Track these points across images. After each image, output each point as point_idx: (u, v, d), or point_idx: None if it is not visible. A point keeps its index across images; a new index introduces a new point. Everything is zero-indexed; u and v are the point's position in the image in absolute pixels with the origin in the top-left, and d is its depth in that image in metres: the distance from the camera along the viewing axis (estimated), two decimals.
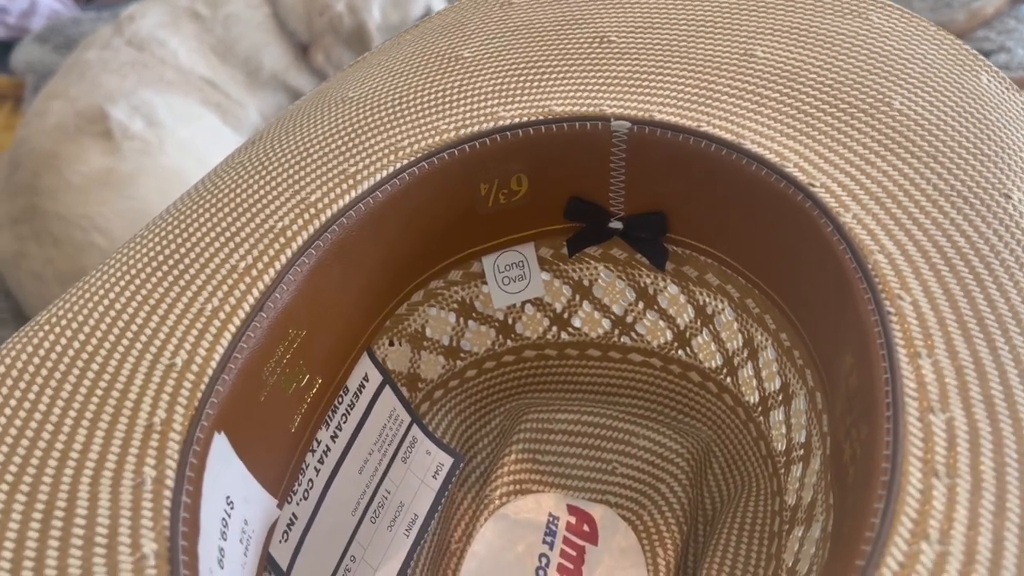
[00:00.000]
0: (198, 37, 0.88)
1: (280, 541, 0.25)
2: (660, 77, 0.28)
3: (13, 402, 0.21)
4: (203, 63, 0.87)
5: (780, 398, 0.28)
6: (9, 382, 0.22)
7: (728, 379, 0.31)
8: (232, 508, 0.21)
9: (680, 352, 0.32)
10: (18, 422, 0.21)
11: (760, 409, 0.30)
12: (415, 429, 0.30)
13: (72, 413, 0.21)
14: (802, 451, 0.27)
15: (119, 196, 0.73)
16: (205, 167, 0.77)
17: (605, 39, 0.30)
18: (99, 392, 0.21)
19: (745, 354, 0.30)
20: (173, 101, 0.81)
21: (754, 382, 0.30)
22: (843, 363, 0.23)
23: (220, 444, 0.21)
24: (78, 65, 0.84)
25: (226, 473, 0.21)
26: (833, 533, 0.21)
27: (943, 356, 0.20)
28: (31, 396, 0.21)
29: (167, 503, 0.19)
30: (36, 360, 0.22)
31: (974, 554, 0.17)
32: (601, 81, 0.29)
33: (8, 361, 0.22)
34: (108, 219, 0.72)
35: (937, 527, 0.17)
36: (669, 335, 0.32)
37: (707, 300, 0.30)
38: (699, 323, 0.31)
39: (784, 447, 0.28)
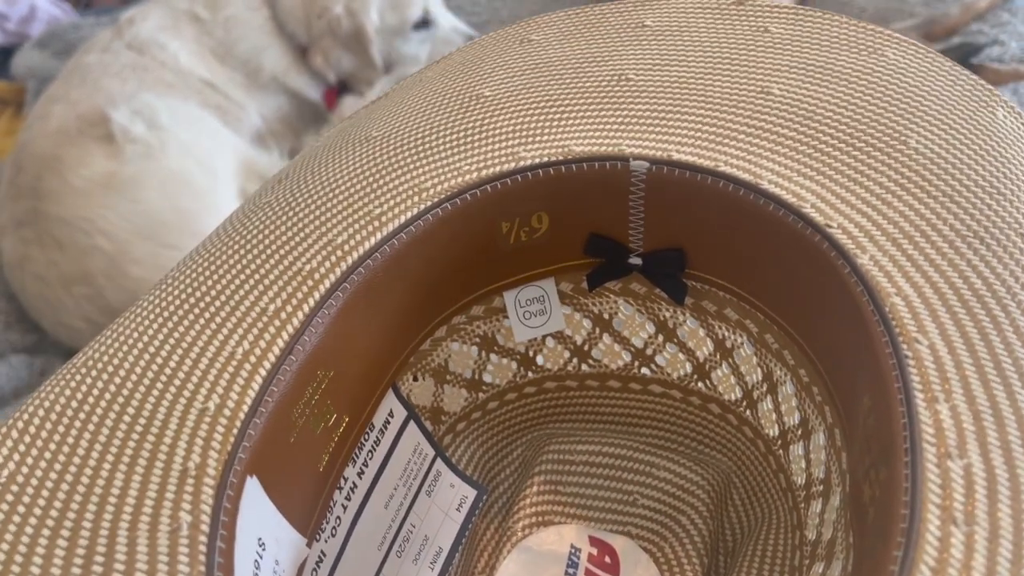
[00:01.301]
0: (198, 40, 0.89)
1: None
2: (678, 115, 0.29)
3: (53, 446, 0.22)
4: (203, 66, 0.88)
5: (800, 432, 0.29)
6: (48, 425, 0.23)
7: (748, 412, 0.31)
8: (264, 549, 0.22)
9: (700, 384, 0.33)
10: (58, 466, 0.21)
11: (780, 442, 0.30)
12: (439, 463, 0.31)
13: (109, 458, 0.21)
14: (822, 487, 0.27)
15: (122, 199, 0.74)
16: (208, 169, 0.78)
17: (623, 77, 0.31)
18: (135, 437, 0.22)
19: (764, 388, 0.30)
20: (174, 104, 0.82)
21: (774, 416, 0.30)
22: (861, 404, 0.23)
23: (252, 488, 0.21)
24: (79, 68, 0.85)
25: (258, 515, 0.22)
26: (853, 574, 0.22)
27: (960, 401, 0.20)
28: (70, 440, 0.22)
29: (203, 548, 0.19)
30: (74, 404, 0.23)
31: None
32: (620, 120, 0.29)
33: (48, 403, 0.23)
34: (112, 222, 0.73)
35: None
36: (689, 367, 0.32)
37: (726, 334, 0.31)
38: (718, 356, 0.31)
39: (804, 481, 0.28)
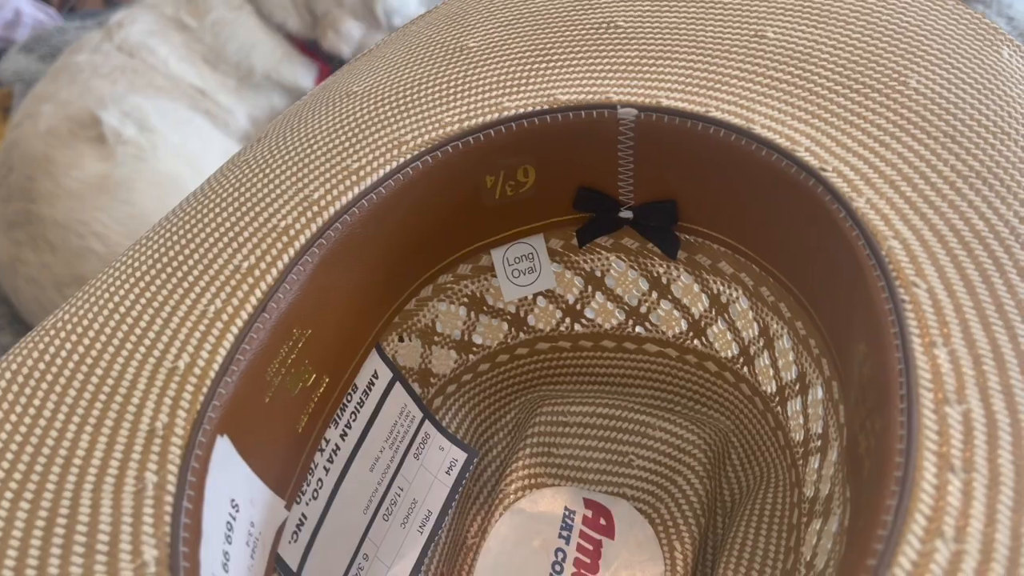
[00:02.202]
0: (187, 46, 0.88)
1: (289, 542, 0.25)
2: (668, 62, 0.28)
3: (19, 408, 0.21)
4: (193, 71, 0.88)
5: (797, 388, 0.28)
6: (15, 388, 0.22)
7: (745, 368, 0.31)
8: (237, 511, 0.21)
9: (695, 342, 0.32)
10: (23, 429, 0.21)
11: (777, 399, 0.29)
12: (427, 425, 0.30)
13: (75, 419, 0.21)
14: (819, 442, 0.26)
15: (115, 201, 0.73)
16: (198, 171, 0.78)
17: (612, 24, 0.30)
18: (102, 398, 0.21)
19: (761, 343, 0.29)
20: (163, 106, 0.81)
21: (771, 371, 0.29)
22: (857, 352, 0.22)
23: (223, 447, 0.21)
24: (68, 68, 0.84)
25: (230, 476, 0.21)
26: (849, 528, 0.21)
27: (960, 345, 0.19)
28: (36, 403, 0.21)
29: (168, 509, 0.19)
30: (41, 366, 0.22)
31: (991, 552, 0.16)
32: (607, 67, 0.28)
33: (14, 367, 0.22)
34: (106, 225, 0.72)
35: (952, 524, 0.16)
36: (684, 325, 0.32)
37: (721, 289, 0.30)
38: (714, 312, 0.30)
39: (802, 438, 0.28)
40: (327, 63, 0.96)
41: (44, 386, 0.22)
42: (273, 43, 0.92)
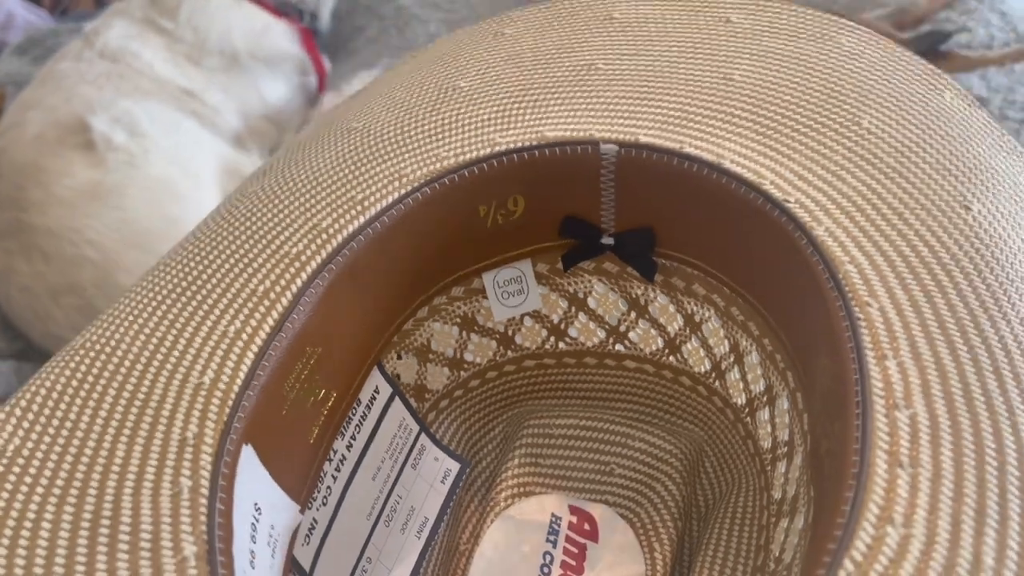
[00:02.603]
0: (169, 48, 0.88)
1: (303, 544, 0.27)
2: (645, 101, 0.30)
3: (56, 422, 0.23)
4: (179, 72, 0.87)
5: (765, 399, 0.30)
6: (51, 403, 0.24)
7: (717, 382, 0.33)
8: (260, 514, 0.23)
9: (671, 358, 0.34)
10: (61, 439, 0.23)
11: (747, 410, 0.32)
12: (423, 437, 0.32)
13: (111, 431, 0.23)
14: (786, 448, 0.29)
15: (108, 208, 0.73)
16: (189, 174, 0.78)
17: (593, 66, 0.32)
18: (134, 411, 0.23)
19: (732, 359, 0.32)
20: (152, 109, 0.81)
21: (741, 385, 0.32)
22: (819, 364, 0.25)
23: (248, 455, 0.23)
24: (53, 75, 0.84)
25: (253, 482, 0.23)
26: (813, 523, 0.23)
27: (907, 357, 0.22)
28: (71, 416, 0.23)
29: (203, 510, 0.21)
30: (74, 383, 0.24)
31: (934, 536, 0.19)
32: (590, 106, 0.31)
33: (49, 384, 0.24)
34: (99, 232, 0.72)
35: (901, 512, 0.19)
36: (660, 342, 0.34)
37: (695, 309, 0.32)
38: (688, 330, 0.33)
39: (770, 445, 0.30)
40: (306, 26, 0.96)
41: (79, 401, 0.24)
42: (249, 14, 0.91)
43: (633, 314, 0.34)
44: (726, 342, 0.32)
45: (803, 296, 0.26)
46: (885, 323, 0.23)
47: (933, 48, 0.77)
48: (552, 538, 0.32)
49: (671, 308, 0.33)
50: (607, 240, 0.32)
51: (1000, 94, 0.69)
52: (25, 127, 0.78)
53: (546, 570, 0.31)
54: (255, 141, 0.92)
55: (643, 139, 0.29)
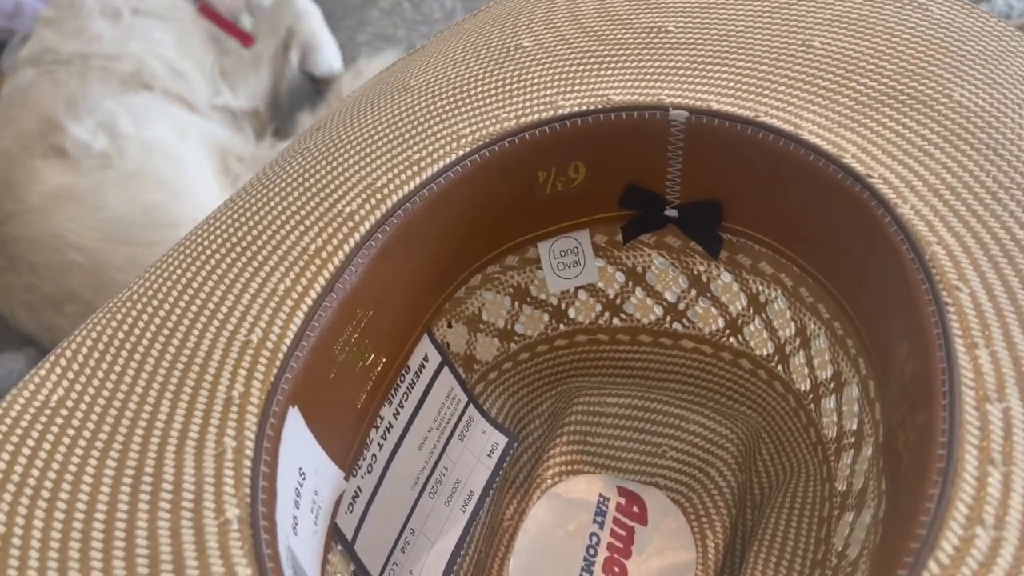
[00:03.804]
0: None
1: (346, 512, 0.26)
2: (718, 67, 0.29)
3: (100, 373, 0.23)
4: (170, 56, 0.86)
5: (832, 386, 0.29)
6: (96, 355, 0.23)
7: (779, 367, 0.32)
8: (304, 479, 0.22)
9: (732, 339, 0.33)
10: (106, 392, 0.22)
11: (811, 397, 0.30)
12: (471, 409, 0.31)
13: (156, 385, 0.22)
14: (853, 438, 0.27)
15: (84, 209, 0.72)
16: (171, 159, 0.76)
17: (662, 29, 0.31)
18: (180, 366, 0.22)
19: (797, 342, 0.30)
20: (134, 102, 0.79)
21: (805, 370, 0.30)
22: (899, 352, 0.23)
23: (294, 418, 0.22)
24: (15, 92, 0.82)
25: (299, 446, 0.22)
26: (885, 518, 0.22)
27: (1000, 346, 0.20)
28: (116, 369, 0.23)
29: (247, 472, 0.20)
30: (120, 335, 0.24)
31: None
32: (659, 70, 0.29)
33: (96, 335, 0.24)
34: (80, 234, 0.71)
35: (992, 513, 0.18)
36: (721, 322, 0.33)
37: (760, 288, 0.31)
38: (751, 311, 0.31)
39: (835, 434, 0.29)
40: None
41: (124, 354, 0.23)
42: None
43: (693, 292, 0.32)
44: (792, 324, 0.30)
45: (883, 278, 0.24)
46: (976, 309, 0.21)
47: None
48: (599, 519, 0.31)
49: (735, 287, 0.31)
50: (671, 212, 0.30)
51: None
52: None
53: (592, 551, 0.30)
54: (253, 123, 0.91)
55: (715, 106, 0.27)
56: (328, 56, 0.97)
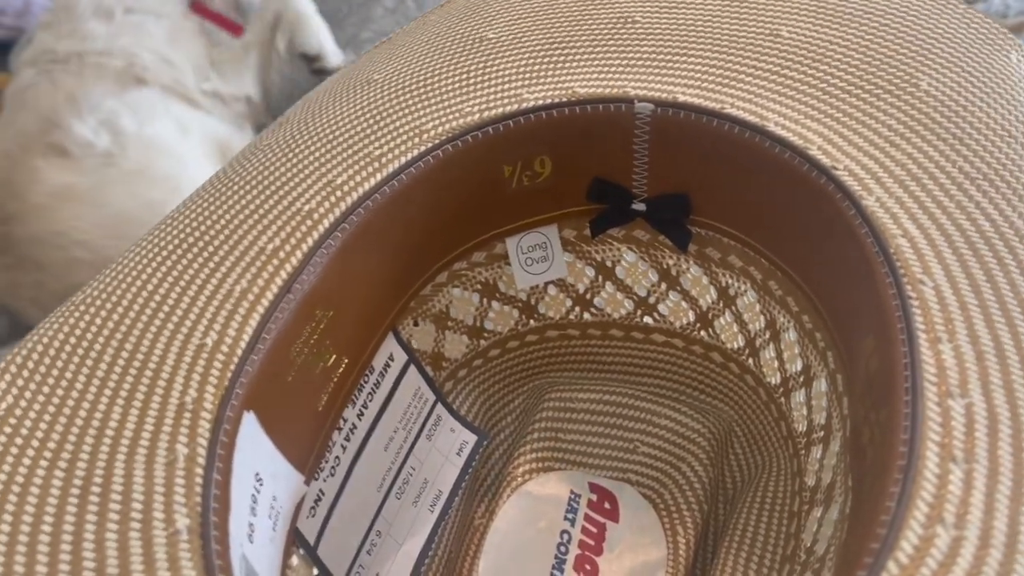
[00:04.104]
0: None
1: (308, 516, 0.26)
2: (684, 58, 0.28)
3: (51, 379, 0.22)
4: (166, 54, 0.86)
5: (801, 379, 0.29)
6: (47, 360, 0.23)
7: (750, 360, 0.31)
8: (261, 485, 0.22)
9: (702, 333, 0.32)
10: (56, 399, 0.22)
11: (781, 390, 0.30)
12: (440, 407, 0.31)
13: (107, 392, 0.21)
14: (822, 432, 0.27)
15: (87, 207, 0.72)
16: (171, 156, 0.77)
17: (630, 19, 0.30)
18: (133, 371, 0.22)
19: (767, 335, 0.30)
20: (135, 99, 0.80)
21: (776, 363, 0.30)
22: (864, 346, 0.23)
23: (249, 423, 0.21)
24: (16, 94, 0.83)
25: (255, 451, 0.22)
26: (851, 515, 0.22)
27: (964, 341, 0.20)
28: (67, 375, 0.22)
29: (199, 480, 0.19)
30: (72, 340, 0.23)
31: (989, 539, 0.17)
32: (625, 62, 0.29)
33: (46, 340, 0.23)
34: (85, 231, 0.72)
35: (953, 512, 0.17)
36: (691, 316, 0.32)
37: (730, 282, 0.30)
38: (721, 304, 0.31)
39: (805, 428, 0.28)
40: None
41: (76, 359, 0.22)
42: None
43: (664, 285, 0.32)
44: (762, 318, 0.30)
45: (849, 271, 0.24)
46: (940, 303, 0.21)
47: None
48: (571, 516, 0.31)
49: (704, 280, 0.31)
50: (638, 206, 0.30)
51: None
52: None
53: (563, 548, 0.30)
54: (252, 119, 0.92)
55: (681, 98, 0.27)
56: (316, 32, 0.97)
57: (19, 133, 0.77)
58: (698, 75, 0.28)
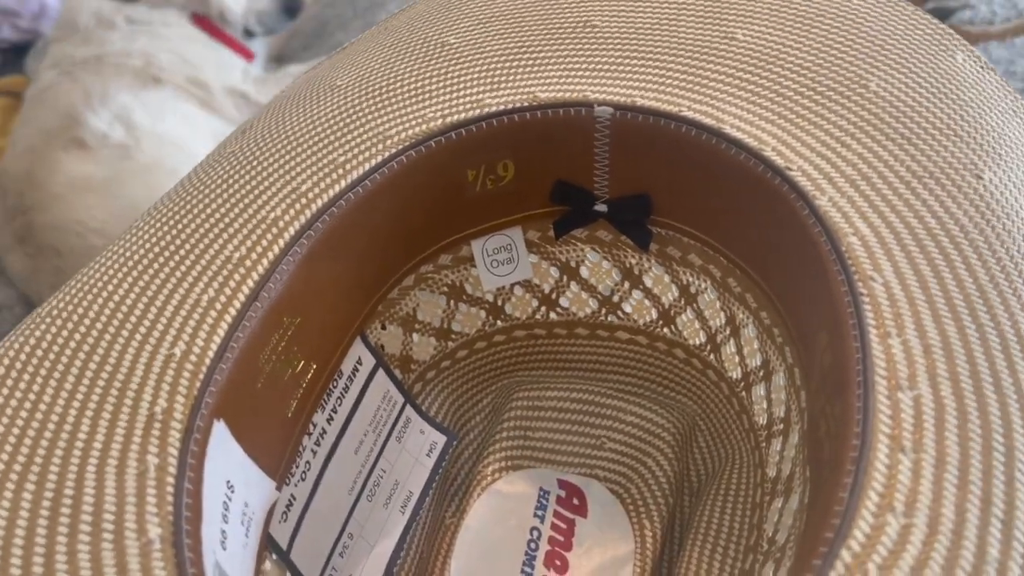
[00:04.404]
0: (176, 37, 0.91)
1: (280, 522, 0.26)
2: (643, 61, 0.29)
3: (19, 394, 0.22)
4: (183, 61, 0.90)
5: (761, 374, 0.29)
6: (13, 374, 0.23)
7: (712, 355, 0.32)
8: (233, 492, 0.22)
9: (665, 330, 0.33)
10: (24, 414, 0.22)
11: (742, 384, 0.31)
12: (409, 410, 0.31)
13: (75, 404, 0.22)
14: (782, 425, 0.28)
15: (103, 197, 0.76)
16: (183, 152, 0.81)
17: (589, 23, 0.31)
18: (101, 383, 0.22)
19: (728, 331, 0.31)
20: (149, 98, 0.84)
21: (736, 358, 0.31)
22: (818, 341, 0.24)
23: (220, 431, 0.22)
24: (38, 93, 0.88)
25: (226, 459, 0.22)
26: (809, 505, 0.22)
27: (912, 335, 0.21)
28: (35, 388, 0.22)
29: (170, 490, 0.20)
30: (39, 353, 0.23)
31: (937, 525, 0.18)
32: (585, 66, 0.29)
33: (12, 354, 0.23)
34: (99, 220, 0.75)
35: (903, 500, 0.18)
36: (654, 313, 0.33)
37: (690, 280, 0.31)
38: (683, 302, 0.32)
39: (765, 421, 0.29)
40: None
41: (43, 372, 0.22)
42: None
43: (627, 284, 0.33)
44: (722, 314, 0.31)
45: (804, 269, 0.24)
46: (889, 299, 0.22)
47: None
48: (540, 513, 0.31)
49: (666, 278, 0.32)
50: (600, 207, 0.30)
51: (1001, 66, 0.72)
52: (17, 144, 0.83)
53: (533, 545, 0.30)
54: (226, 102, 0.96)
55: (640, 101, 0.27)
56: None
57: (41, 129, 0.81)
58: (656, 78, 0.28)
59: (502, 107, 0.28)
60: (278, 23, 1.05)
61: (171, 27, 0.94)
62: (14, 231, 0.80)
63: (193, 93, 0.89)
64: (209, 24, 0.98)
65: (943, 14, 0.79)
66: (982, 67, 0.29)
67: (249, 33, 1.02)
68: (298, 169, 0.27)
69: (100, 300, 0.24)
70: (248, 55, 0.99)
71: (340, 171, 0.27)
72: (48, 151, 0.79)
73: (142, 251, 0.26)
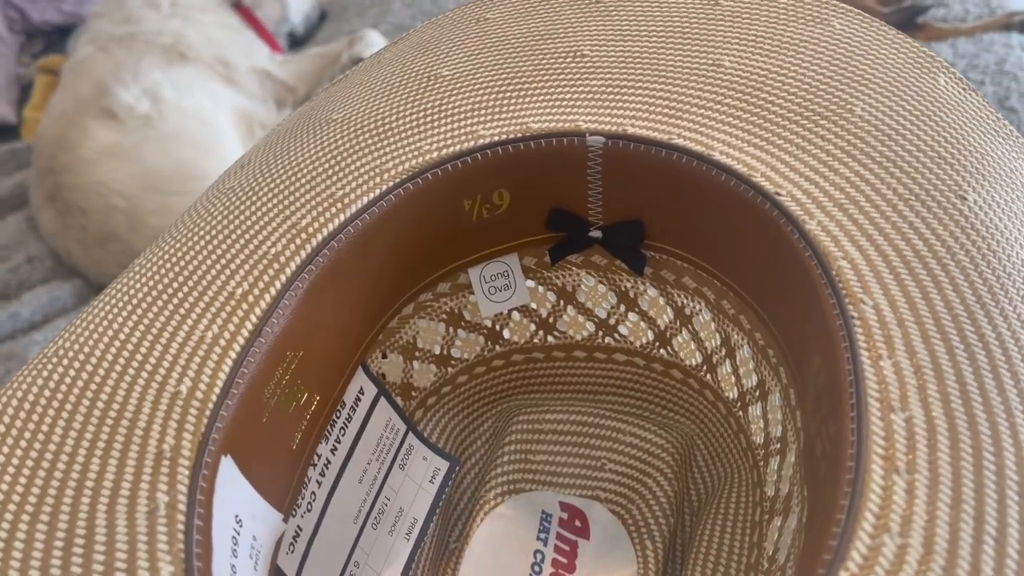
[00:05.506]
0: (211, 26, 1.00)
1: (287, 553, 0.26)
2: (632, 90, 0.29)
3: (28, 434, 0.22)
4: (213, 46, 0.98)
5: (757, 394, 0.30)
6: (23, 414, 0.23)
7: (708, 376, 0.32)
8: (241, 526, 0.22)
9: (662, 351, 0.34)
10: (34, 453, 0.22)
11: (739, 404, 0.31)
12: (411, 437, 0.32)
13: (85, 443, 0.22)
14: (779, 444, 0.28)
15: (127, 162, 0.84)
16: (205, 124, 0.89)
17: (579, 53, 0.31)
18: (109, 422, 0.22)
19: (723, 352, 0.31)
20: (176, 74, 0.92)
21: (732, 378, 0.31)
22: (812, 363, 0.24)
23: (227, 467, 0.22)
24: (75, 65, 0.96)
25: (234, 494, 0.22)
26: (807, 525, 0.23)
27: (903, 357, 0.21)
28: (44, 428, 0.22)
29: (181, 527, 0.20)
30: (47, 392, 0.23)
31: (932, 545, 0.18)
32: (576, 96, 0.30)
33: (20, 394, 0.23)
34: (122, 182, 0.84)
35: (898, 521, 0.18)
36: (651, 335, 0.33)
37: (685, 302, 0.32)
38: (678, 323, 0.32)
39: (762, 440, 0.30)
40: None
41: (51, 412, 0.23)
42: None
43: (623, 307, 0.33)
44: (717, 335, 0.31)
45: (795, 292, 0.25)
46: (880, 321, 0.22)
47: (912, 20, 0.82)
48: (543, 536, 0.32)
49: (661, 301, 0.32)
50: (595, 233, 0.31)
51: (965, 59, 0.75)
52: (52, 110, 0.92)
53: (537, 569, 0.31)
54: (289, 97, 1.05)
55: (630, 130, 0.28)
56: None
57: (75, 97, 0.90)
58: (646, 107, 0.29)
59: (496, 138, 0.28)
60: (316, 27, 1.16)
61: (208, 13, 1.02)
62: (46, 190, 0.88)
63: (218, 71, 0.97)
64: (250, 14, 1.06)
65: (919, 11, 0.82)
66: (964, 89, 0.30)
67: (294, 40, 1.11)
68: (297, 204, 0.27)
69: (106, 339, 0.25)
70: (276, 47, 1.07)
71: (339, 205, 0.27)
72: (80, 119, 0.87)
73: (146, 289, 0.26)
